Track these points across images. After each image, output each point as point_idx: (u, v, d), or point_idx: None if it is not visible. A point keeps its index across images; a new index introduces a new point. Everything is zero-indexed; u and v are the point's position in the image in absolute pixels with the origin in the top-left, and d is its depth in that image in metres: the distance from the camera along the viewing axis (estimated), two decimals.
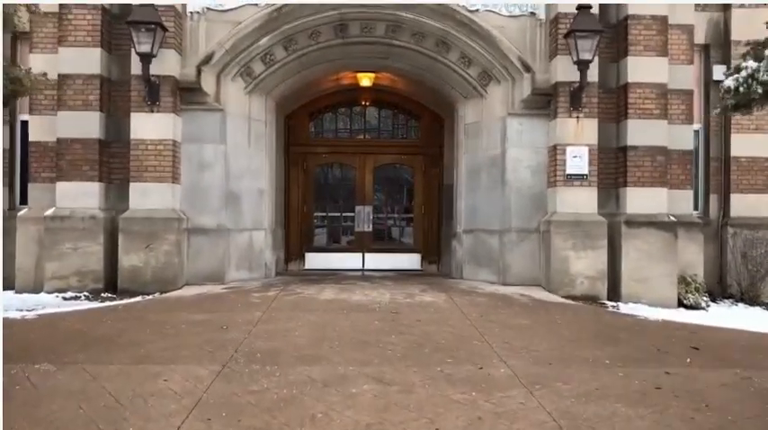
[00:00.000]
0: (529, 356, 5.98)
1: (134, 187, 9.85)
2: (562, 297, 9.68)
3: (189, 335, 6.65)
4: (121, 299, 9.26)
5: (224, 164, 10.46)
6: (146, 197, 9.83)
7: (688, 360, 5.97)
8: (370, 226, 13.68)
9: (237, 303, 8.57)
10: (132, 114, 9.85)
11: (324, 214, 13.99)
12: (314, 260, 13.57)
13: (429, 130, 13.70)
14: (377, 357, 5.85)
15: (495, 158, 10.85)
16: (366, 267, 13.49)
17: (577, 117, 10.05)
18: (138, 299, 9.20)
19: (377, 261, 13.50)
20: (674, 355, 6.17)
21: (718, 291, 11.10)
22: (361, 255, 13.61)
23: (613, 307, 9.48)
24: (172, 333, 6.78)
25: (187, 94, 10.19)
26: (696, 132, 11.33)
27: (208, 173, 10.40)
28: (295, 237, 13.56)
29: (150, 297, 9.33)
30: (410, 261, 13.64)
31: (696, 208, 11.45)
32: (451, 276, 11.81)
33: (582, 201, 10.03)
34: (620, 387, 5.11)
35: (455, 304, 8.61)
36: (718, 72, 11.18)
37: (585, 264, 9.88)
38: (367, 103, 13.72)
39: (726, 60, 11.21)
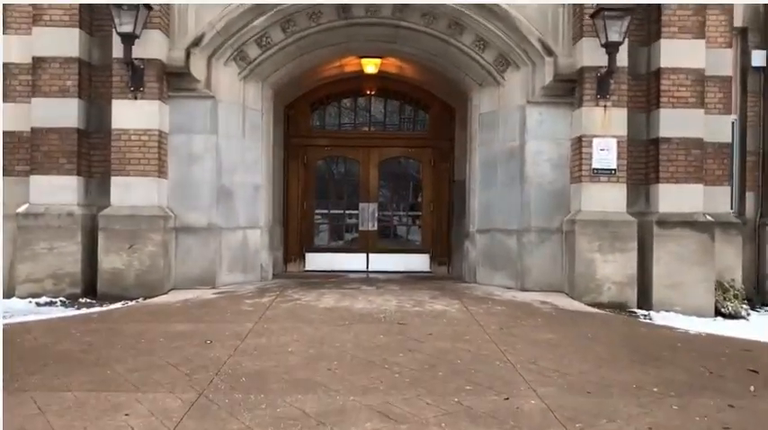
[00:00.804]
0: (562, 381, 5.10)
1: (116, 182, 9.01)
2: (587, 304, 8.80)
3: (166, 352, 5.80)
4: (101, 305, 8.42)
5: (215, 156, 9.60)
6: (129, 192, 8.99)
7: (751, 388, 5.09)
8: (375, 224, 12.82)
9: (227, 311, 7.72)
10: (114, 101, 9.01)
11: (325, 211, 13.13)
12: (315, 261, 12.71)
13: (439, 122, 12.82)
14: (382, 382, 4.98)
15: (513, 151, 9.96)
16: (371, 269, 12.64)
17: (605, 106, 9.15)
18: (119, 305, 8.36)
19: (382, 262, 12.64)
20: (731, 380, 5.29)
21: (757, 298, 10.18)
22: (365, 255, 12.76)
23: (644, 316, 8.59)
24: (146, 349, 5.93)
25: (175, 80, 9.33)
26: (731, 124, 10.40)
27: (197, 166, 9.54)
28: (294, 236, 12.71)
29: (132, 303, 8.48)
30: (418, 262, 12.77)
31: (731, 206, 10.53)
32: (464, 280, 10.93)
33: (609, 199, 9.13)
34: (678, 426, 4.23)
35: (470, 314, 7.74)
36: (758, 58, 10.31)
37: (613, 269, 8.99)
38: (372, 93, 12.85)
39: (766, 45, 10.30)
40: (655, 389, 4.94)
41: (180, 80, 9.33)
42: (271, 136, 10.91)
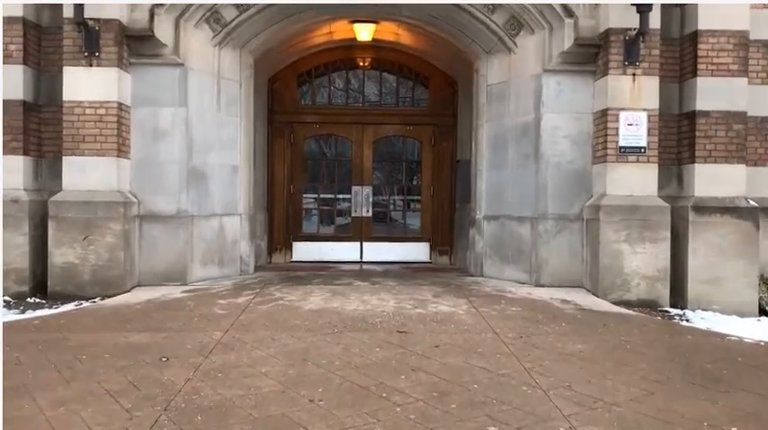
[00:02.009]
0: (610, 417, 3.99)
1: (68, 162, 7.83)
2: (613, 302, 7.72)
3: (109, 374, 4.68)
4: (51, 306, 7.29)
5: (185, 132, 8.41)
6: (84, 175, 7.81)
7: None
8: (370, 210, 11.67)
9: (194, 315, 6.59)
10: (65, 69, 7.81)
11: (314, 196, 11.96)
12: (303, 250, 11.58)
13: (440, 96, 11.63)
14: (379, 421, 3.86)
15: (527, 127, 8.80)
16: (364, 259, 11.53)
17: (633, 74, 7.99)
18: (71, 307, 7.22)
19: (377, 251, 11.52)
20: None
21: None
22: (358, 244, 11.63)
23: (680, 316, 7.51)
24: (86, 369, 4.80)
25: (137, 44, 8.12)
26: None
27: (164, 144, 8.35)
28: (280, 223, 11.55)
29: (87, 304, 7.35)
30: (417, 251, 11.65)
31: None
32: (469, 272, 9.81)
33: (638, 181, 8.01)
34: None
35: (481, 317, 6.62)
36: None
37: (643, 261, 7.88)
38: (366, 64, 11.64)
39: None
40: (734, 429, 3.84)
41: (143, 45, 8.12)
42: (251, 110, 9.70)
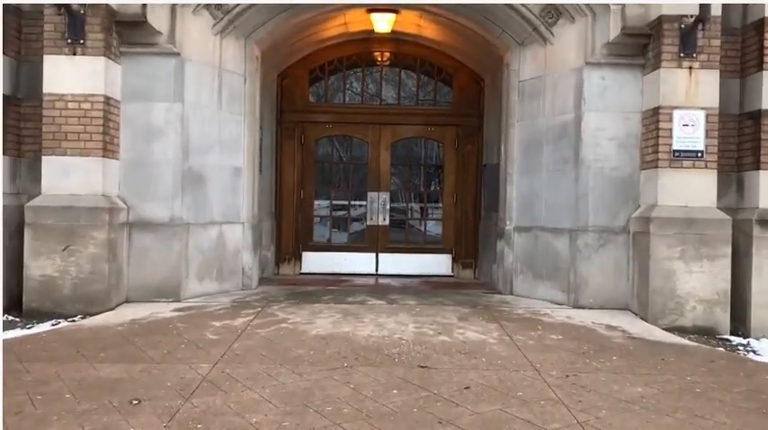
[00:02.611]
0: None
1: (48, 163, 7.00)
2: (664, 328, 6.75)
3: (63, 423, 3.79)
4: (25, 325, 6.46)
5: (181, 131, 7.54)
6: (66, 177, 6.97)
7: None
8: (387, 218, 10.75)
9: (182, 341, 5.70)
10: (46, 58, 6.99)
11: (327, 202, 11.08)
12: (313, 261, 10.68)
13: (464, 94, 10.70)
14: None
15: (565, 127, 7.85)
16: (380, 271, 10.61)
17: (690, 67, 7.03)
18: (46, 327, 6.38)
19: (394, 263, 10.60)
20: None
21: None
22: (374, 255, 10.71)
23: (743, 346, 6.52)
24: (36, 415, 3.92)
25: (128, 32, 7.29)
26: None
27: (158, 144, 7.50)
28: (289, 231, 10.67)
29: (64, 323, 6.50)
30: (437, 264, 10.71)
31: None
32: (496, 289, 8.86)
33: (695, 190, 7.03)
34: None
35: (517, 347, 5.67)
36: None
37: (700, 282, 6.90)
38: (384, 58, 10.75)
39: None
40: None
41: (135, 32, 7.28)
42: (257, 108, 8.83)
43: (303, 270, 10.65)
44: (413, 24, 9.78)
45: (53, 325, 6.47)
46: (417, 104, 10.96)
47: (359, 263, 10.66)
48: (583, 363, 5.26)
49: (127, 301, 7.34)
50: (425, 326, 6.38)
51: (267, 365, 5.00)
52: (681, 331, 6.76)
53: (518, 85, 8.51)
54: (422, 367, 5.03)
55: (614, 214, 7.57)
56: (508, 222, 8.56)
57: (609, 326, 6.67)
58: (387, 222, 10.77)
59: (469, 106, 10.65)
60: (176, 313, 6.85)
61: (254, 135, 8.75)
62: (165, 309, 7.00)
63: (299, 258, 10.69)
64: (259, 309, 7.13)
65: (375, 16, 9.45)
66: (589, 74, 7.60)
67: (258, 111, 8.91)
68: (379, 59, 10.77)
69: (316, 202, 10.97)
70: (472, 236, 10.67)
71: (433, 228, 11.10)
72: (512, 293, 8.44)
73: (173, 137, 7.51)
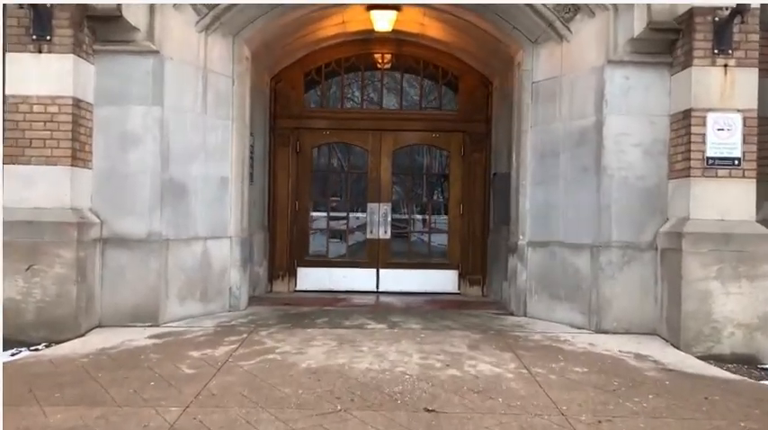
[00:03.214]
0: None
1: (10, 172, 6.29)
2: (699, 357, 6.03)
3: None
4: None
5: (160, 137, 6.85)
6: (29, 188, 6.28)
7: None
8: (388, 231, 10.04)
9: (153, 376, 4.99)
10: (9, 56, 6.31)
11: (324, 214, 10.37)
12: (309, 277, 9.97)
13: (471, 98, 10.01)
14: None
15: (585, 132, 7.15)
16: (381, 289, 9.90)
17: (725, 65, 6.33)
18: (6, 357, 5.65)
19: (396, 280, 9.89)
20: None
21: None
22: (374, 271, 10.00)
23: None
24: None
25: (102, 28, 6.61)
26: None
27: (135, 152, 6.80)
28: (283, 245, 9.95)
29: (26, 353, 5.80)
30: (443, 280, 9.99)
31: None
32: (508, 310, 8.14)
33: (732, 202, 6.32)
34: None
35: (538, 384, 4.95)
36: None
37: (739, 304, 6.18)
38: (385, 61, 10.08)
39: None
40: None
41: (109, 28, 6.60)
42: (247, 112, 8.15)
43: (298, 287, 9.93)
44: (416, 23, 9.11)
45: (12, 355, 5.76)
46: (421, 109, 10.25)
47: (358, 279, 9.94)
48: (615, 404, 4.54)
49: (99, 326, 6.63)
50: (432, 357, 5.66)
51: (247, 409, 4.28)
52: (718, 360, 6.04)
53: (531, 86, 7.82)
54: (428, 411, 4.31)
55: (640, 228, 6.85)
56: (521, 237, 7.84)
57: (638, 356, 5.94)
58: (388, 235, 10.06)
59: (477, 111, 9.96)
60: (152, 340, 6.14)
61: (244, 142, 8.06)
62: (139, 336, 6.28)
63: (294, 275, 9.97)
64: (245, 335, 6.41)
65: (375, 14, 8.76)
66: (611, 73, 6.90)
67: (248, 116, 8.22)
68: (380, 61, 10.09)
69: (312, 214, 10.27)
70: (480, 250, 9.95)
71: (438, 241, 10.38)
72: (525, 315, 7.72)
73: (151, 144, 6.82)
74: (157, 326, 6.72)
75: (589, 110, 7.09)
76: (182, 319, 7.04)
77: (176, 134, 7.03)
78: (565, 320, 7.25)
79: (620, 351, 6.09)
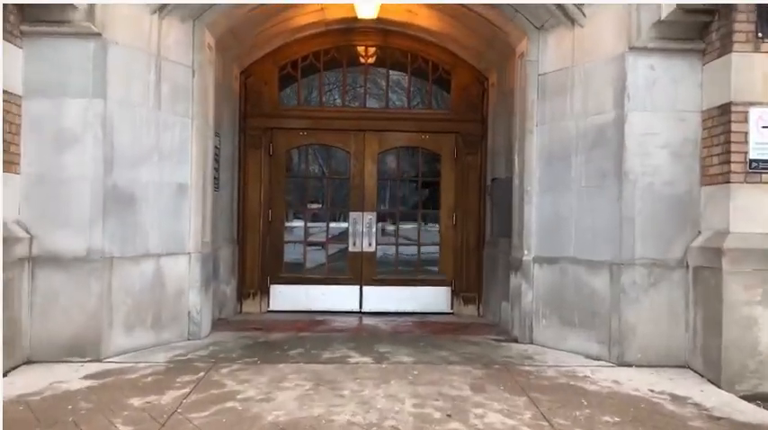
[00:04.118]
0: None
1: None
2: (744, 396, 5.10)
3: None
4: None
5: (103, 137, 5.80)
6: None
7: None
8: (373, 243, 9.02)
9: None
10: None
11: (300, 224, 9.38)
12: (284, 296, 8.94)
13: (465, 95, 9.05)
14: None
15: (603, 131, 6.20)
16: (365, 309, 8.91)
17: None
18: None
19: (382, 299, 8.90)
20: None
21: None
22: (357, 288, 9.00)
23: None
24: None
25: (34, 7, 5.57)
26: None
27: (72, 153, 5.75)
28: (254, 260, 8.91)
29: None
30: (434, 299, 9.00)
31: None
32: (510, 335, 7.16)
33: None
34: None
35: None
36: None
37: None
38: (369, 53, 9.11)
39: None
40: None
41: (42, 6, 5.56)
42: (211, 109, 7.14)
43: (272, 307, 8.90)
44: (403, 10, 8.16)
45: None
46: (409, 108, 9.30)
47: (339, 298, 8.93)
48: None
49: (28, 363, 5.57)
50: (429, 404, 4.66)
51: None
52: (766, 400, 5.11)
53: (537, 79, 6.88)
54: None
55: (668, 243, 5.91)
56: (526, 252, 6.88)
57: (674, 397, 4.99)
58: (373, 248, 9.05)
59: (471, 110, 9.01)
60: (87, 382, 5.08)
61: (207, 143, 7.03)
62: (74, 376, 5.23)
63: (267, 293, 8.93)
64: (202, 373, 5.37)
65: None
66: (634, 62, 5.96)
67: (212, 114, 7.21)
68: (364, 54, 9.11)
69: (287, 225, 9.26)
70: (475, 265, 8.98)
71: (429, 255, 9.40)
72: (532, 342, 6.76)
73: (92, 144, 5.77)
74: (99, 361, 5.66)
75: (607, 105, 6.15)
76: (129, 352, 5.98)
77: (123, 133, 5.99)
78: (579, 350, 6.28)
79: (651, 391, 5.13)
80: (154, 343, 6.29)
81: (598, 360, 6.04)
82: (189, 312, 6.70)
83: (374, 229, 9.08)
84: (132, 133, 6.08)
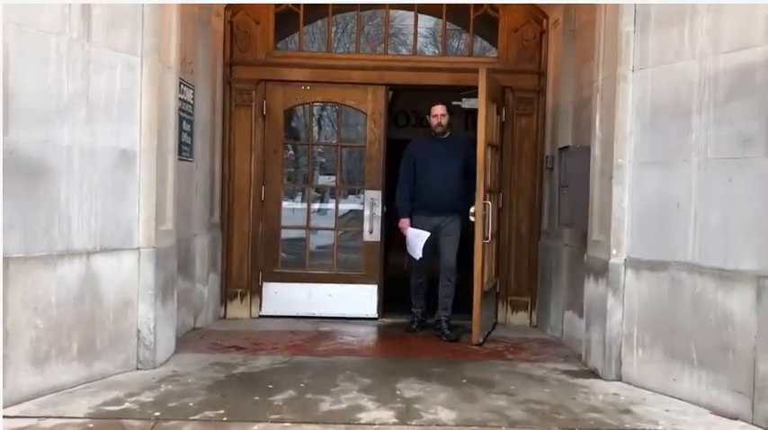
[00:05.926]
0: None
1: None
2: None
3: None
4: None
5: None
6: None
7: None
8: None
9: None
10: None
11: (301, 205, 7.59)
12: (280, 297, 7.16)
13: (517, 40, 7.09)
14: None
15: (747, 74, 4.20)
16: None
17: None
18: None
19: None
20: None
21: None
22: (374, 288, 7.19)
23: None
24: None
25: None
26: None
27: None
28: (243, 250, 7.11)
29: None
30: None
31: None
32: (587, 364, 5.29)
33: None
34: None
35: None
36: None
37: None
38: None
39: None
40: None
41: None
42: (174, 43, 5.25)
43: (264, 310, 7.12)
44: None
45: None
46: (444, 54, 7.36)
47: (351, 300, 7.14)
48: None
49: None
50: None
51: None
52: None
53: (634, 9, 4.91)
54: None
55: None
56: (614, 251, 4.95)
57: None
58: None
59: (525, 59, 7.08)
60: None
61: (167, 92, 5.15)
62: None
63: (259, 293, 7.14)
64: None
65: None
66: None
67: (177, 52, 5.32)
68: None
69: (285, 206, 7.43)
70: (528, 261, 7.12)
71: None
72: (620, 378, 4.88)
73: None
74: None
75: (757, 35, 4.15)
76: (44, 394, 4.18)
77: (27, 74, 4.10)
78: (698, 399, 4.38)
79: None
80: (85, 377, 4.49)
81: (735, 419, 4.14)
82: (138, 331, 4.88)
83: None
84: (44, 74, 4.19)
